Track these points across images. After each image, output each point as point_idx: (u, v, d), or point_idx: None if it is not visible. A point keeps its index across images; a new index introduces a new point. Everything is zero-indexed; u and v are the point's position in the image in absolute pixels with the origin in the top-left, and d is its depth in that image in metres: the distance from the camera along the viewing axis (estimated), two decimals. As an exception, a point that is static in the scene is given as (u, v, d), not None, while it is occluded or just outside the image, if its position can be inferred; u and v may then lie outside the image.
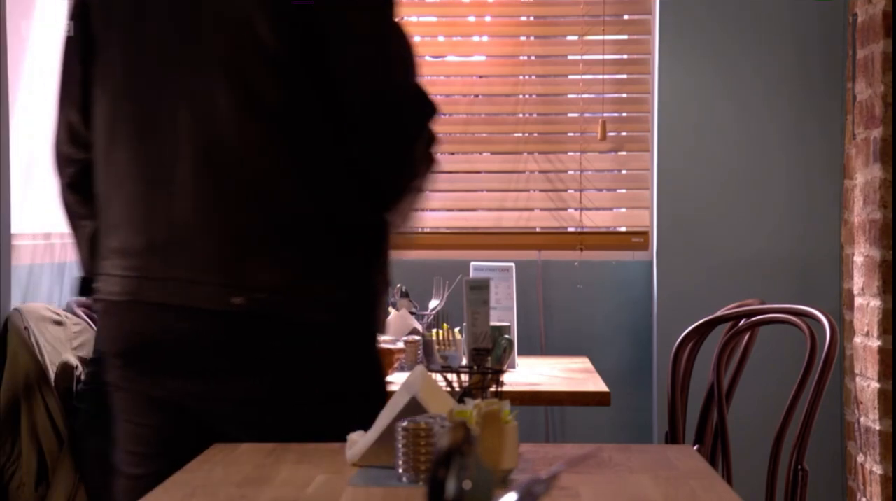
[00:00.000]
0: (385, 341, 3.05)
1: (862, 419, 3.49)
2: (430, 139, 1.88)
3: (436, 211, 4.12)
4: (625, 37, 4.11)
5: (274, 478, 1.54)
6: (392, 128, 1.85)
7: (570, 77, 4.13)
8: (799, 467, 2.59)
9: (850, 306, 3.67)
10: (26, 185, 3.45)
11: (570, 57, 4.12)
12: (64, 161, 2.02)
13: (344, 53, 1.81)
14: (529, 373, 3.16)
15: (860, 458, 3.54)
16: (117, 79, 1.92)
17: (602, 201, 4.13)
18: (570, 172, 4.10)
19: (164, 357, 1.85)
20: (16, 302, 3.10)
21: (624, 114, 4.11)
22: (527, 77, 4.15)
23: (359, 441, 1.62)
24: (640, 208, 4.09)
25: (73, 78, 1.99)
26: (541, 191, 4.10)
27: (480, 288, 1.78)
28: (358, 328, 1.87)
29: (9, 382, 2.90)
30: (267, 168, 1.82)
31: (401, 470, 1.51)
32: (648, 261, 4.04)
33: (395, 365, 3.05)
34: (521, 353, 3.42)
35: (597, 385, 2.94)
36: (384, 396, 1.87)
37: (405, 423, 1.51)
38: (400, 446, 1.51)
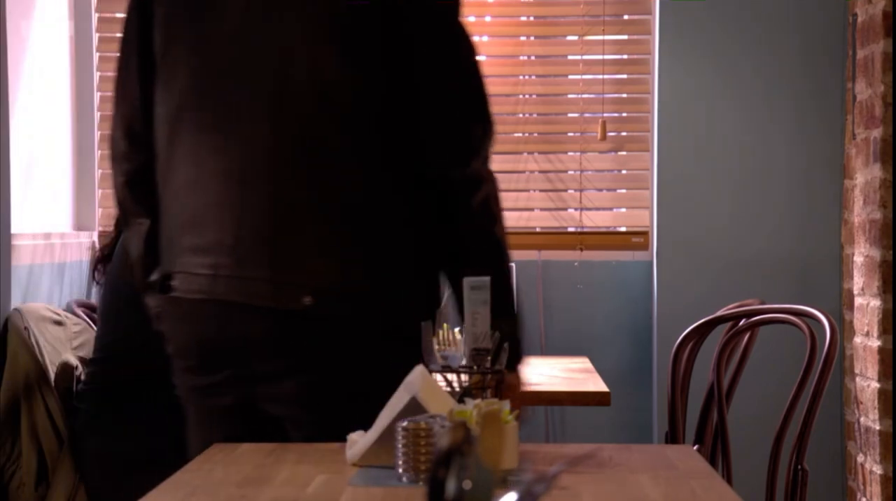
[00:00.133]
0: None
1: (862, 419, 3.49)
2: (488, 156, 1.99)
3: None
4: (625, 37, 4.11)
5: (274, 478, 1.55)
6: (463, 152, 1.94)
7: (570, 77, 4.12)
8: (799, 467, 2.59)
9: (850, 306, 3.67)
10: (26, 185, 3.45)
11: (570, 57, 4.12)
12: (121, 157, 2.03)
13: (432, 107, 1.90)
14: (529, 373, 3.15)
15: (860, 458, 3.54)
16: (184, 80, 1.92)
17: (602, 201, 4.13)
18: (570, 172, 4.10)
19: (236, 356, 1.88)
20: (16, 302, 3.09)
21: (624, 114, 4.11)
22: (527, 77, 4.15)
23: (359, 442, 1.62)
24: (640, 208, 4.09)
25: (132, 76, 1.99)
26: (541, 190, 4.10)
27: (480, 288, 1.78)
28: (415, 331, 1.90)
29: (9, 382, 2.90)
30: (344, 173, 1.86)
31: (401, 470, 1.51)
32: (648, 261, 4.03)
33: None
34: (521, 353, 3.41)
35: (597, 385, 2.94)
36: None
37: (405, 423, 1.51)
38: (400, 446, 1.51)
